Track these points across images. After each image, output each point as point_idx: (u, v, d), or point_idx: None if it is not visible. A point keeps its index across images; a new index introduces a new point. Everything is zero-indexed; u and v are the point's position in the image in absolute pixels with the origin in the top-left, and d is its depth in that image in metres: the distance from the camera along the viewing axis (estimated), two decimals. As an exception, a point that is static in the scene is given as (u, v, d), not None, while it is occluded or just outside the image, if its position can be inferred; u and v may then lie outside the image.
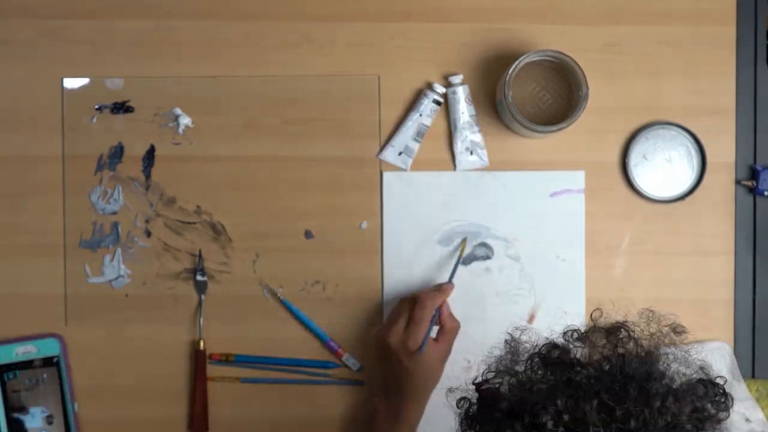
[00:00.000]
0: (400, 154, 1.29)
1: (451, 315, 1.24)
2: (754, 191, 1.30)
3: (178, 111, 1.29)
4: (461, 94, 1.28)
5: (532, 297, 1.30)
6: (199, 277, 1.29)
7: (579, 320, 1.29)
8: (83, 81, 1.30)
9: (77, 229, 1.29)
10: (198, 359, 1.28)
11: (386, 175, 1.30)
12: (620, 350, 0.87)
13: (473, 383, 0.90)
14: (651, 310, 0.93)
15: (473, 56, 1.31)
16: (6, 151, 1.29)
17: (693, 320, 1.30)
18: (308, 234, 1.30)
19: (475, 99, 1.30)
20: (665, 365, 0.87)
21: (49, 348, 1.27)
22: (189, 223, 1.30)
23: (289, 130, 1.30)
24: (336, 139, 1.30)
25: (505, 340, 0.93)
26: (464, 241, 1.29)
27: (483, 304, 1.30)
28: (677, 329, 0.91)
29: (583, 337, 0.90)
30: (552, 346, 0.89)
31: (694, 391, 0.84)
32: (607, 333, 0.90)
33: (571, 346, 0.89)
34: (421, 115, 1.28)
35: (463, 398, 0.90)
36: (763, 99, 1.32)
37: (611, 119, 1.31)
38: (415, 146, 1.29)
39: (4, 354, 1.26)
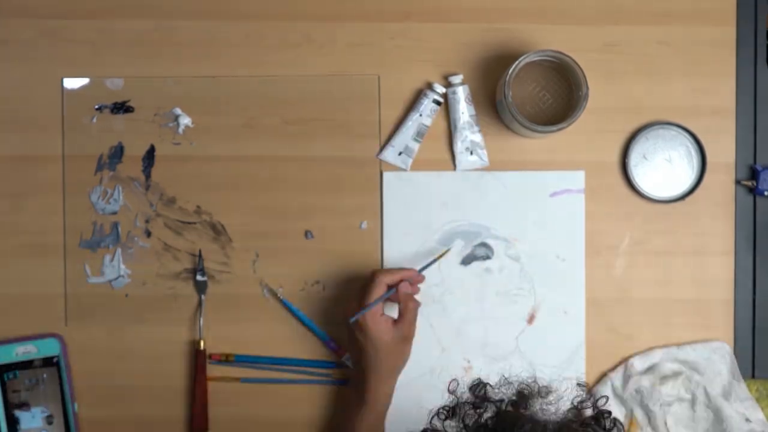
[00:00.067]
0: (400, 154, 1.29)
1: (409, 295, 1.23)
2: (754, 191, 1.30)
3: (178, 111, 1.29)
4: (461, 94, 1.28)
5: (532, 297, 1.30)
6: (199, 277, 1.29)
7: (579, 320, 1.29)
8: (83, 81, 1.30)
9: (77, 229, 1.29)
10: (198, 359, 1.28)
11: (386, 175, 1.30)
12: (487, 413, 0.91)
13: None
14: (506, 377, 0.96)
15: (473, 56, 1.31)
16: (6, 151, 1.29)
17: (693, 320, 1.31)
18: (308, 234, 1.30)
19: (475, 99, 1.30)
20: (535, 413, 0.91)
21: (49, 348, 1.27)
22: (189, 223, 1.30)
23: (289, 130, 1.30)
24: (336, 139, 1.30)
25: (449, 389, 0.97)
26: (447, 251, 1.29)
27: (483, 304, 1.30)
28: (543, 390, 0.96)
29: (452, 414, 0.93)
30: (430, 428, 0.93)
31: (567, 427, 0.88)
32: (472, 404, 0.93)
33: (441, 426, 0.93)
34: (421, 115, 1.28)
35: None
36: (763, 99, 1.32)
37: (611, 119, 1.31)
38: (415, 146, 1.29)
39: (4, 354, 1.26)
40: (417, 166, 1.30)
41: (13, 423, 1.25)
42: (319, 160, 1.30)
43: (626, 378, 1.28)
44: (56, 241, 1.29)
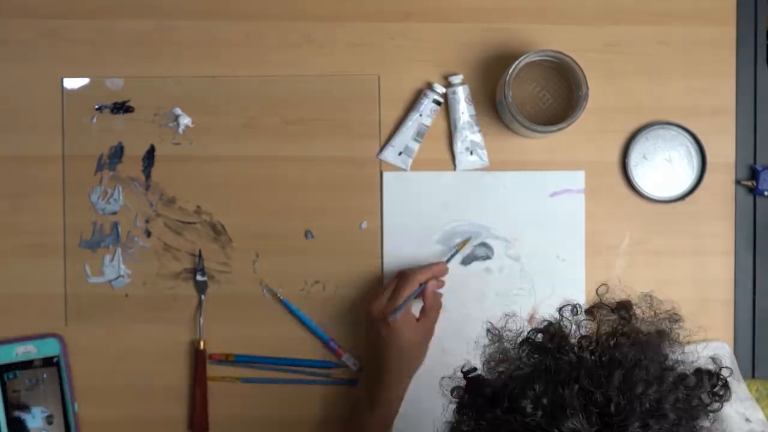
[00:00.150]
0: (400, 154, 1.29)
1: (435, 294, 1.24)
2: (754, 191, 1.30)
3: (178, 111, 1.29)
4: (461, 94, 1.28)
5: (532, 297, 1.30)
6: (199, 277, 1.29)
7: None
8: (83, 81, 1.30)
9: (77, 229, 1.29)
10: (198, 359, 1.28)
11: (386, 175, 1.30)
12: (625, 329, 0.86)
13: (461, 371, 0.90)
14: (650, 295, 0.91)
15: (473, 56, 1.31)
16: (6, 151, 1.29)
17: (693, 320, 1.30)
18: (308, 234, 1.30)
19: (475, 99, 1.30)
20: (660, 352, 0.86)
21: (49, 348, 1.27)
22: (189, 223, 1.30)
23: (289, 130, 1.30)
24: (336, 139, 1.30)
25: (487, 329, 0.93)
26: (467, 240, 1.29)
27: (483, 304, 1.30)
28: (673, 317, 0.91)
29: (589, 311, 0.90)
30: (541, 328, 0.89)
31: (683, 380, 0.83)
32: (612, 310, 0.89)
33: (566, 323, 0.89)
34: (421, 115, 1.28)
35: (455, 387, 0.90)
36: (763, 99, 1.32)
37: (611, 119, 1.31)
38: (415, 146, 1.29)
39: (4, 354, 1.26)
40: (417, 166, 1.30)
41: (13, 423, 1.25)
42: (319, 160, 1.30)
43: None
44: (56, 241, 1.29)
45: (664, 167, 1.31)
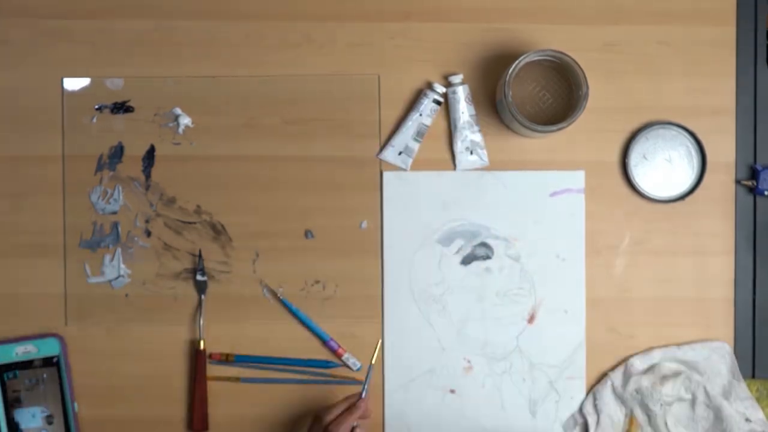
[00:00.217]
0: (400, 153, 1.29)
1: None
2: (754, 191, 1.30)
3: (178, 111, 1.29)
4: (461, 93, 1.28)
5: (533, 297, 1.30)
6: (199, 277, 1.29)
7: (579, 320, 1.29)
8: (83, 81, 1.30)
9: (77, 229, 1.29)
10: (198, 359, 1.28)
11: (386, 175, 1.30)
12: None
13: None
14: None
15: (473, 56, 1.31)
16: (6, 151, 1.29)
17: (693, 320, 1.31)
18: (308, 234, 1.30)
19: (475, 99, 1.30)
20: None
21: (49, 348, 1.27)
22: (189, 222, 1.30)
23: (289, 130, 1.30)
24: (336, 139, 1.30)
25: None
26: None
27: (483, 304, 1.30)
28: None
29: None
30: None
31: None
32: None
33: None
34: (421, 114, 1.28)
35: None
36: (763, 99, 1.32)
37: (611, 119, 1.31)
38: (415, 146, 1.29)
39: (4, 354, 1.26)
40: (417, 165, 1.30)
41: (13, 423, 1.25)
42: (319, 160, 1.30)
43: (626, 378, 1.28)
44: (56, 241, 1.29)
45: (664, 167, 1.31)
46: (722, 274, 1.31)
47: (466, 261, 1.30)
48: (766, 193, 1.30)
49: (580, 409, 1.30)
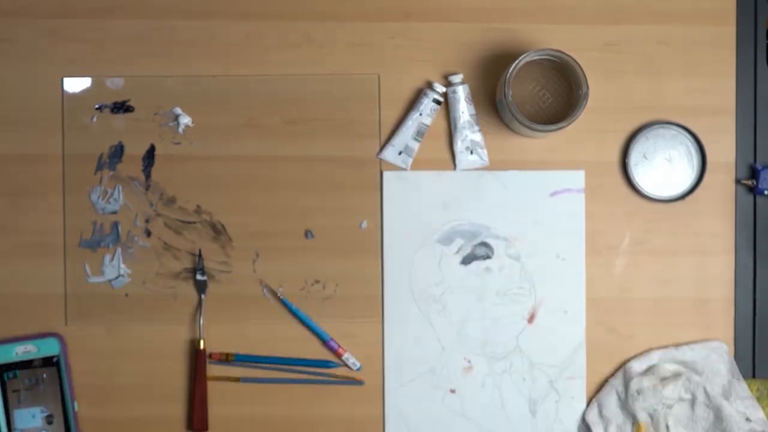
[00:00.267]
0: (400, 153, 1.29)
1: None
2: (754, 190, 1.30)
3: (178, 110, 1.29)
4: (461, 93, 1.28)
5: (533, 296, 1.30)
6: (199, 277, 1.29)
7: (579, 320, 1.29)
8: (83, 81, 1.30)
9: (77, 229, 1.29)
10: (198, 359, 1.28)
11: (386, 175, 1.30)
12: None
13: None
14: None
15: (473, 56, 1.31)
16: (6, 151, 1.29)
17: (693, 320, 1.31)
18: (308, 234, 1.30)
19: (475, 98, 1.30)
20: None
21: (49, 348, 1.27)
22: (189, 222, 1.30)
23: (289, 130, 1.30)
24: (336, 139, 1.30)
25: None
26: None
27: (483, 304, 1.30)
28: None
29: None
30: None
31: None
32: None
33: None
34: (421, 114, 1.29)
35: None
36: (763, 99, 1.32)
37: (611, 119, 1.31)
38: (415, 146, 1.29)
39: (4, 354, 1.26)
40: (417, 165, 1.30)
41: (12, 423, 1.25)
42: (319, 160, 1.30)
43: (627, 381, 1.28)
44: (56, 241, 1.29)
45: (664, 167, 1.31)
46: (722, 273, 1.31)
47: (466, 261, 1.30)
48: (766, 192, 1.30)
49: (583, 418, 1.30)
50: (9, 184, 1.29)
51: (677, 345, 1.30)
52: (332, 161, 1.30)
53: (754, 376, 1.31)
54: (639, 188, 1.30)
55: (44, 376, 1.27)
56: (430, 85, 1.29)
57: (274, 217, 1.30)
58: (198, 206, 1.30)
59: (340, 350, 1.29)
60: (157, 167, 1.30)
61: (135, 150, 1.30)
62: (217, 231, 1.30)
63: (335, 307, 1.30)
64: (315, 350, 1.30)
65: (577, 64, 1.22)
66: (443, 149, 1.30)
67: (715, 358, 1.29)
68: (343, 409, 1.29)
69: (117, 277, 1.29)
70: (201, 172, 1.30)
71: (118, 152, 1.30)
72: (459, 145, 1.29)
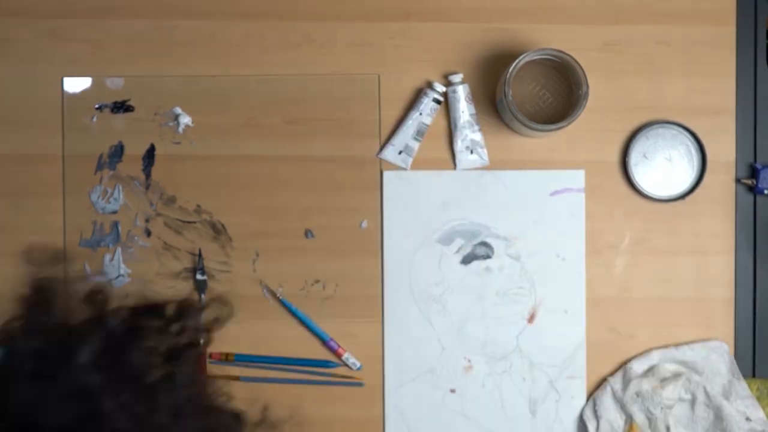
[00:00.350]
0: (400, 153, 1.29)
1: None
2: (754, 190, 1.30)
3: (178, 110, 1.29)
4: (461, 93, 1.28)
5: (533, 296, 1.30)
6: (199, 277, 1.29)
7: (579, 319, 1.29)
8: (83, 81, 1.30)
9: (77, 229, 1.29)
10: (198, 359, 1.28)
11: (386, 174, 1.30)
12: None
13: None
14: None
15: (473, 56, 1.31)
16: (6, 151, 1.29)
17: (693, 320, 1.31)
18: (308, 233, 1.30)
19: (475, 98, 1.30)
20: None
21: (49, 347, 1.27)
22: (189, 222, 1.30)
23: (289, 130, 1.30)
24: (336, 139, 1.30)
25: None
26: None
27: (483, 304, 1.30)
28: None
29: None
30: None
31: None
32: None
33: None
34: (421, 114, 1.28)
35: None
36: (763, 98, 1.32)
37: (611, 118, 1.31)
38: (415, 145, 1.29)
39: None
40: (417, 165, 1.30)
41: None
42: (319, 160, 1.30)
43: (626, 382, 1.28)
44: (56, 241, 1.29)
45: (664, 166, 1.31)
46: (722, 273, 1.31)
47: (466, 260, 1.30)
48: (766, 191, 1.30)
49: (581, 416, 1.30)
50: (9, 184, 1.29)
51: (677, 345, 1.30)
52: (332, 161, 1.30)
53: (754, 376, 1.31)
54: (639, 188, 1.30)
55: (44, 375, 1.26)
56: (430, 85, 1.29)
57: (274, 217, 1.30)
58: (198, 206, 1.30)
59: (340, 350, 1.29)
60: (157, 167, 1.30)
61: (135, 150, 1.30)
62: (217, 231, 1.30)
63: (335, 307, 1.30)
64: (315, 350, 1.30)
65: (577, 63, 1.22)
66: (443, 149, 1.30)
67: (715, 357, 1.29)
68: (343, 409, 1.29)
69: (117, 277, 1.29)
70: (201, 171, 1.30)
71: (118, 152, 1.30)
72: (459, 145, 1.29)
